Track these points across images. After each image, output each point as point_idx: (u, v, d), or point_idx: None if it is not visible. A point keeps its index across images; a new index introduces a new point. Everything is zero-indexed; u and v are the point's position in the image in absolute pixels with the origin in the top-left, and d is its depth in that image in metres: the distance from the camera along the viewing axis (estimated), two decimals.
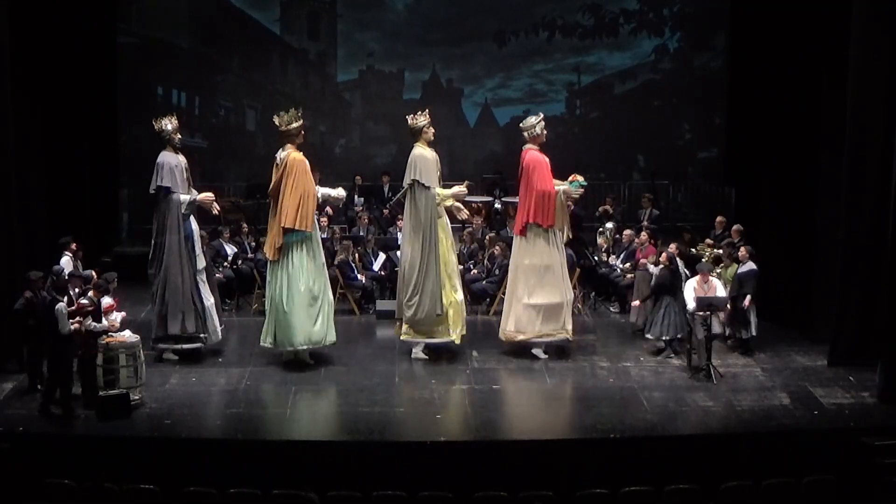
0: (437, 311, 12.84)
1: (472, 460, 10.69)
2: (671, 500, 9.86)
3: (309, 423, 11.40)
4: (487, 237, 15.89)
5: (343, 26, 19.57)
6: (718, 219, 15.47)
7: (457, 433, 11.21)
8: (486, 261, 15.50)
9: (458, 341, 13.14)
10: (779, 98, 14.73)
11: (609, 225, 16.32)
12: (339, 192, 13.22)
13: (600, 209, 16.95)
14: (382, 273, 15.76)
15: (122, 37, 18.48)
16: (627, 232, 15.43)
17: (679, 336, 12.95)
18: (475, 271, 15.40)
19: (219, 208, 13.76)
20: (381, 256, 15.81)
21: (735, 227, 14.61)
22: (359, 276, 15.34)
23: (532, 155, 13.15)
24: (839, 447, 10.82)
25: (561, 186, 13.09)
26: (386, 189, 17.89)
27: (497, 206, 16.70)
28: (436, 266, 12.78)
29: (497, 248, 15.26)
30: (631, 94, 19.73)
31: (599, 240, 16.27)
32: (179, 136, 13.16)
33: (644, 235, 14.59)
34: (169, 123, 13.00)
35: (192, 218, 12.98)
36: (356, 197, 17.80)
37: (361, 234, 16.44)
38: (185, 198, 12.83)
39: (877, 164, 12.20)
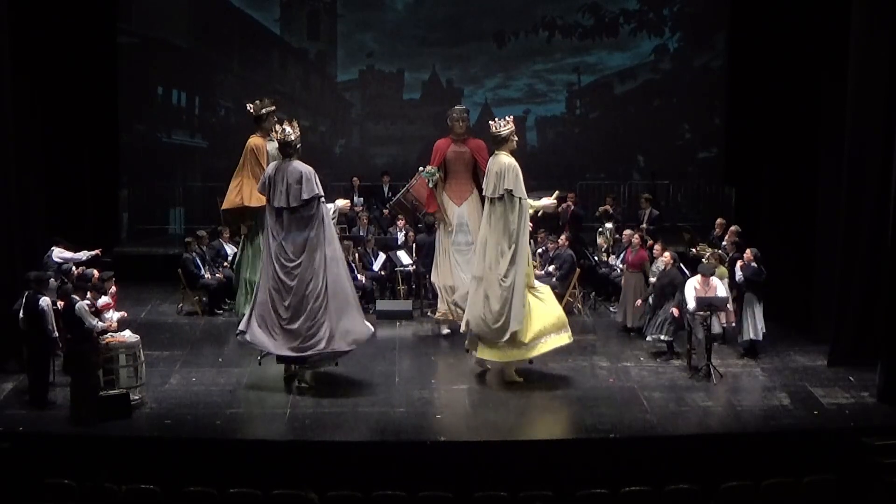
0: (516, 327, 12.20)
1: (472, 460, 10.70)
2: (671, 500, 9.86)
3: (308, 423, 11.39)
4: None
5: (343, 26, 19.56)
6: (718, 221, 15.45)
7: (457, 433, 11.21)
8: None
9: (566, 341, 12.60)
10: (779, 98, 14.74)
11: (609, 225, 16.31)
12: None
13: (600, 209, 16.94)
14: (382, 273, 15.76)
15: (122, 37, 18.46)
16: (627, 232, 15.42)
17: (674, 339, 12.95)
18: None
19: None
20: (381, 256, 15.80)
21: (732, 227, 14.57)
22: (359, 276, 15.33)
23: (437, 142, 14.06)
24: (839, 447, 10.84)
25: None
26: (386, 189, 17.88)
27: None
28: (520, 279, 12.20)
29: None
30: (631, 94, 19.72)
31: (599, 240, 16.26)
32: (300, 145, 12.22)
33: (636, 238, 14.50)
34: (292, 133, 12.09)
35: None
36: (355, 197, 17.79)
37: (361, 234, 16.44)
38: (331, 206, 12.32)
39: (877, 164, 12.20)
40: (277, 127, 12.36)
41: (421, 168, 14.10)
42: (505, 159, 12.33)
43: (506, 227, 12.20)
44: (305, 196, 11.86)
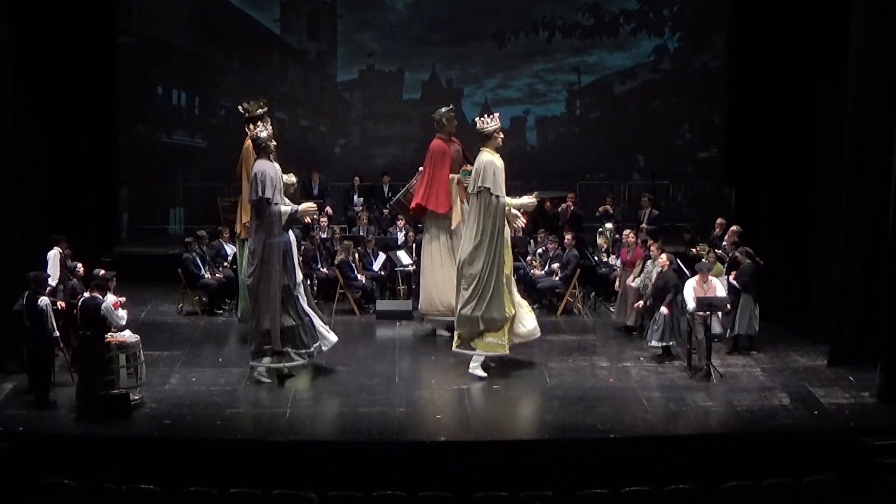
0: (503, 315, 12.39)
1: (472, 460, 10.69)
2: (671, 500, 9.86)
3: (309, 423, 11.39)
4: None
5: (343, 26, 19.57)
6: (718, 220, 15.45)
7: (457, 433, 11.20)
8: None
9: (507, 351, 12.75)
10: (779, 98, 14.73)
11: (609, 225, 16.31)
12: (290, 178, 12.94)
13: (600, 209, 16.95)
14: (382, 273, 15.77)
15: (122, 37, 18.48)
16: (627, 231, 15.42)
17: (674, 342, 12.94)
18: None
19: (318, 219, 13.56)
20: (381, 256, 15.81)
21: (732, 227, 14.57)
22: (359, 276, 15.34)
23: (436, 143, 13.67)
24: (839, 447, 10.82)
25: (455, 175, 13.61)
26: (386, 189, 17.88)
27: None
28: (498, 277, 12.35)
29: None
30: (631, 94, 19.74)
31: (599, 240, 16.26)
32: (275, 144, 12.24)
33: (632, 236, 14.51)
34: (263, 130, 12.20)
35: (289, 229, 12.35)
36: (356, 197, 17.80)
37: (361, 234, 16.44)
38: (285, 209, 12.09)
39: (877, 164, 12.19)
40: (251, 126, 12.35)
41: (421, 168, 14.07)
42: (485, 156, 12.45)
43: (482, 224, 12.34)
44: (252, 197, 11.98)
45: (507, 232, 12.61)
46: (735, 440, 11.06)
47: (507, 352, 12.68)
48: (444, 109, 13.99)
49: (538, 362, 13.01)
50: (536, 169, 19.05)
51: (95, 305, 11.30)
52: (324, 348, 12.60)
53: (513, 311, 12.61)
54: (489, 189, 12.27)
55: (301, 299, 12.40)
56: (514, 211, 12.65)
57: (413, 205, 14.00)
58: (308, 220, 13.00)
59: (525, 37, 19.40)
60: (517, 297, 12.90)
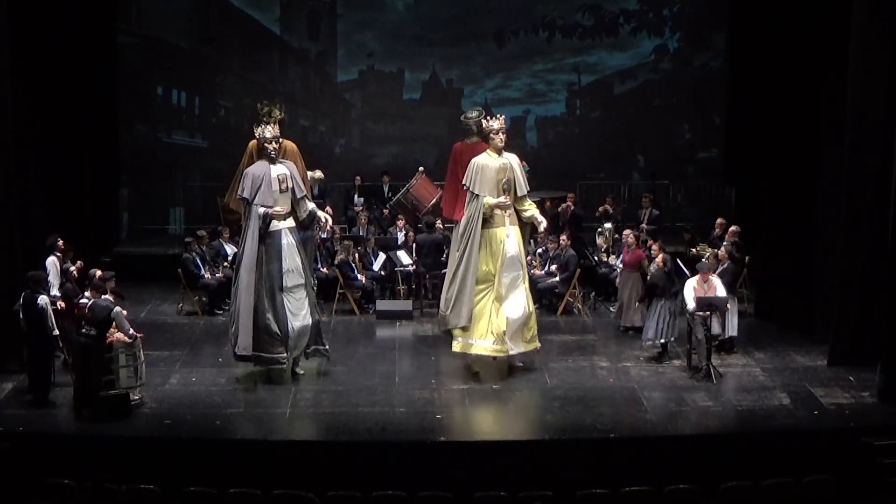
0: (463, 322, 12.40)
1: (472, 460, 10.70)
2: (671, 500, 9.86)
3: (309, 423, 11.41)
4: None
5: (343, 26, 19.57)
6: (718, 220, 15.45)
7: (457, 433, 11.21)
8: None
9: (501, 354, 12.52)
10: (779, 98, 14.72)
11: (608, 225, 16.31)
12: (318, 174, 12.95)
13: (600, 209, 16.95)
14: (382, 273, 15.77)
15: (122, 37, 18.48)
16: (626, 232, 15.42)
17: (673, 338, 12.94)
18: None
19: (330, 225, 13.62)
20: (381, 256, 15.81)
21: (732, 227, 14.58)
22: (359, 276, 15.34)
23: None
24: (839, 447, 10.83)
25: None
26: (386, 189, 17.87)
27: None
28: (468, 275, 12.33)
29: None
30: (631, 94, 19.74)
31: (599, 240, 16.26)
32: (274, 147, 12.03)
33: (632, 237, 14.49)
34: (267, 131, 12.05)
35: (285, 231, 12.07)
36: (356, 197, 17.80)
37: (361, 234, 16.44)
38: (261, 210, 11.88)
39: (877, 164, 12.20)
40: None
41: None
42: (478, 157, 12.58)
43: (463, 219, 12.52)
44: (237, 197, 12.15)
45: (500, 240, 12.41)
46: (735, 440, 11.06)
47: (490, 354, 12.55)
48: (474, 114, 13.53)
49: (538, 362, 13.01)
50: (536, 169, 19.02)
51: (105, 309, 11.27)
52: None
53: (500, 325, 12.35)
54: (466, 186, 12.44)
55: (286, 306, 12.10)
56: (538, 216, 12.68)
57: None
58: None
59: (525, 37, 19.39)
60: (508, 312, 12.46)
